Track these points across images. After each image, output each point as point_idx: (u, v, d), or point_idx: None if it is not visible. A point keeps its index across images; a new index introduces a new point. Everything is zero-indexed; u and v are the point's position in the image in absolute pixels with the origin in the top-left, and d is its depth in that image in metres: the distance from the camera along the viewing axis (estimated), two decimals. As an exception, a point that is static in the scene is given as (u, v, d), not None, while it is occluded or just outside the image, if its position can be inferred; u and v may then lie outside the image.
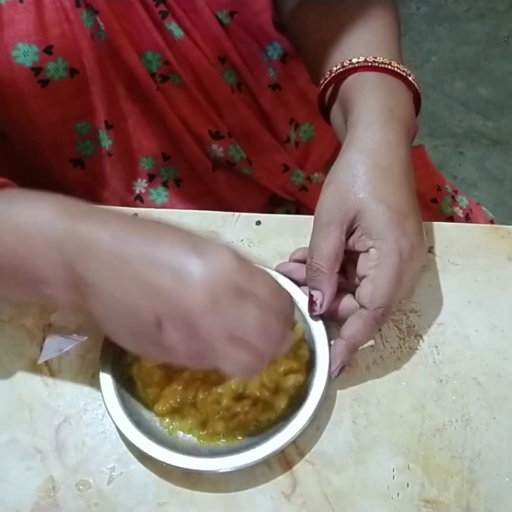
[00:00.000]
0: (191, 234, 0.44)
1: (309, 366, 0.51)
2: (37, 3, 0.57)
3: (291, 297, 0.46)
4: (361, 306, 0.49)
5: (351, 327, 0.50)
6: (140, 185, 0.73)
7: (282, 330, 0.44)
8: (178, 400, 0.50)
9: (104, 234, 0.43)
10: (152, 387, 0.50)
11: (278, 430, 0.48)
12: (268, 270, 0.45)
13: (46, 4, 0.57)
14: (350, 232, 0.51)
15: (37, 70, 0.59)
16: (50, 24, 0.58)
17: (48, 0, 0.57)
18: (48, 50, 0.58)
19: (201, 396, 0.49)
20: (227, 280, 0.42)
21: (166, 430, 0.50)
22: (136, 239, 0.43)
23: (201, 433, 0.49)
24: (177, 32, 0.62)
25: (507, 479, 0.48)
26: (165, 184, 0.74)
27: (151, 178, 0.73)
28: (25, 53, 0.58)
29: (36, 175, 0.71)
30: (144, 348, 0.45)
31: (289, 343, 0.46)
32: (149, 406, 0.50)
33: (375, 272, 0.49)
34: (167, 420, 0.50)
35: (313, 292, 0.51)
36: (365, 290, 0.49)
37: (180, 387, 0.50)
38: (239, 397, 0.49)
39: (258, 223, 0.61)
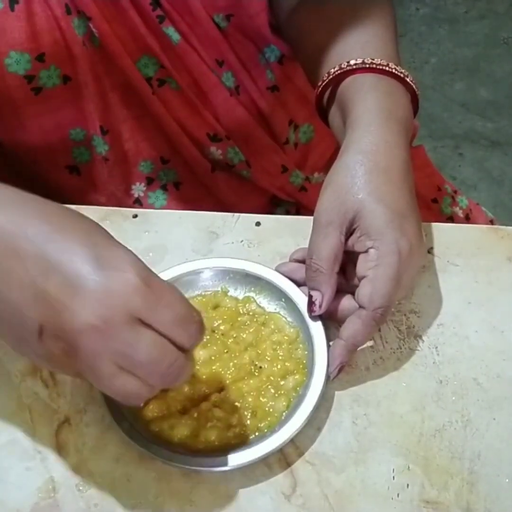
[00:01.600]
0: (98, 235, 0.40)
1: (310, 366, 0.51)
2: (28, 11, 0.57)
3: (201, 321, 0.41)
4: (360, 307, 0.50)
5: (350, 328, 0.50)
6: (139, 189, 0.73)
7: (179, 365, 0.40)
8: (167, 407, 0.49)
9: (4, 220, 0.39)
10: None
11: (276, 430, 0.48)
12: (178, 292, 0.41)
13: (37, 13, 0.57)
14: (349, 233, 0.51)
15: (29, 78, 0.59)
16: (41, 32, 0.58)
17: (39, 8, 0.57)
18: (40, 57, 0.58)
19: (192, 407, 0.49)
20: (124, 304, 0.37)
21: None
22: (34, 229, 0.39)
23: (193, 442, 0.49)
24: (175, 36, 0.62)
25: (507, 480, 0.48)
26: (164, 188, 0.74)
27: (149, 181, 0.73)
28: (17, 61, 0.58)
29: (31, 182, 0.71)
30: (27, 354, 0.42)
31: (187, 375, 0.42)
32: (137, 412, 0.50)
33: (374, 272, 0.49)
34: (158, 429, 0.49)
35: (313, 293, 0.51)
36: (364, 290, 0.49)
37: (170, 394, 0.49)
38: (234, 409, 0.49)
39: (258, 224, 0.61)
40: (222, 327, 0.53)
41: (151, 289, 0.38)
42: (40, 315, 0.38)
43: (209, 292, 0.56)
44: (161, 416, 0.49)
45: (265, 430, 0.49)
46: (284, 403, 0.50)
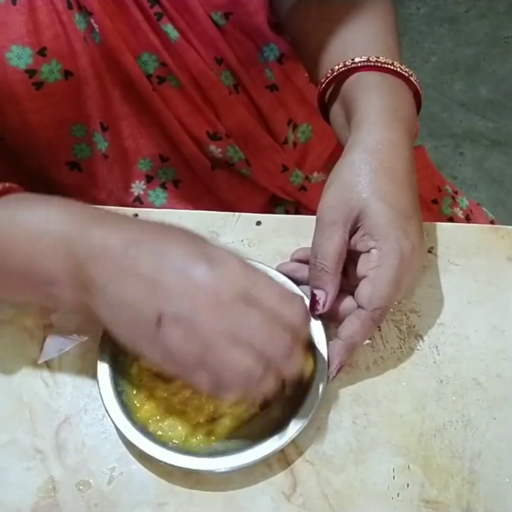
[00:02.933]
0: (200, 239, 0.45)
1: (313, 350, 0.51)
2: (30, 5, 0.57)
3: (306, 312, 0.45)
4: (359, 306, 0.49)
5: (349, 327, 0.50)
6: (138, 187, 0.73)
7: (289, 342, 0.43)
8: (164, 405, 0.49)
9: (114, 236, 0.44)
10: (141, 392, 0.50)
11: (277, 430, 0.48)
12: (282, 279, 0.46)
13: (39, 7, 0.57)
14: (352, 232, 0.51)
15: (31, 72, 0.59)
16: (43, 26, 0.57)
17: (40, 2, 0.57)
18: (42, 52, 0.58)
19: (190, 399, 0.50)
20: (234, 285, 0.42)
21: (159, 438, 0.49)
22: (145, 242, 0.44)
23: (195, 438, 0.49)
24: (173, 33, 0.62)
25: (507, 480, 0.48)
26: (163, 186, 0.74)
27: (149, 179, 0.73)
28: (19, 56, 0.58)
29: (33, 178, 0.71)
30: (144, 348, 0.44)
31: (299, 361, 0.45)
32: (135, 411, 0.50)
33: (375, 272, 0.49)
34: (155, 428, 0.49)
35: (316, 292, 0.51)
36: (364, 290, 0.49)
37: (165, 394, 0.50)
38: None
39: (258, 223, 0.61)
40: None
41: (255, 275, 0.43)
42: (159, 303, 0.42)
43: None
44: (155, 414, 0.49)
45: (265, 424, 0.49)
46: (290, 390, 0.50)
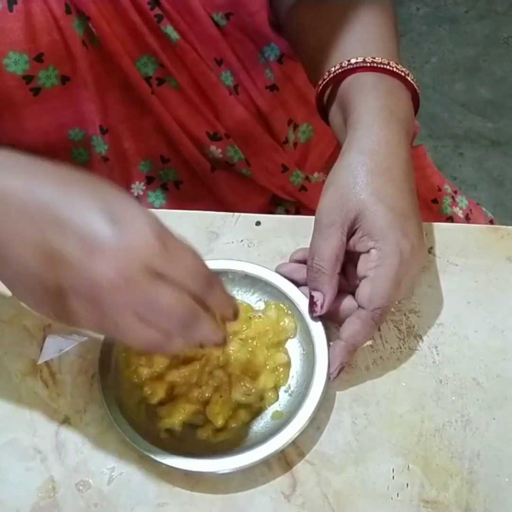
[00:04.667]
0: (111, 192, 0.40)
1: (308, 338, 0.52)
2: (26, 11, 0.57)
3: (217, 280, 0.43)
4: (360, 307, 0.50)
5: (350, 328, 0.50)
6: (138, 188, 0.73)
7: (195, 314, 0.41)
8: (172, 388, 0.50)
9: (12, 181, 0.40)
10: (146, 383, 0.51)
11: (277, 431, 0.48)
12: (192, 248, 0.42)
13: (36, 13, 0.57)
14: (351, 233, 0.51)
15: (28, 78, 0.59)
16: (40, 32, 0.58)
17: (37, 9, 0.57)
18: (38, 58, 0.58)
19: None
20: (141, 258, 0.38)
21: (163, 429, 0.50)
22: (46, 190, 0.39)
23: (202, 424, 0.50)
24: (173, 35, 0.62)
25: (506, 480, 0.48)
26: (164, 187, 0.74)
27: (149, 180, 0.73)
28: (16, 62, 0.58)
29: None
30: (49, 314, 0.42)
31: (208, 329, 0.42)
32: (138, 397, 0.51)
33: (375, 272, 0.49)
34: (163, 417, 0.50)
35: (314, 293, 0.51)
36: (364, 290, 0.49)
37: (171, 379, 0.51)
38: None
39: (258, 223, 0.61)
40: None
41: (165, 243, 0.39)
42: (58, 275, 0.39)
43: None
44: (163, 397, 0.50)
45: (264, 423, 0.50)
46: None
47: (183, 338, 0.42)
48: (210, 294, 0.42)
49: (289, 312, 0.54)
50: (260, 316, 0.54)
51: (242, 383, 0.50)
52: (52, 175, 0.40)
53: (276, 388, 0.51)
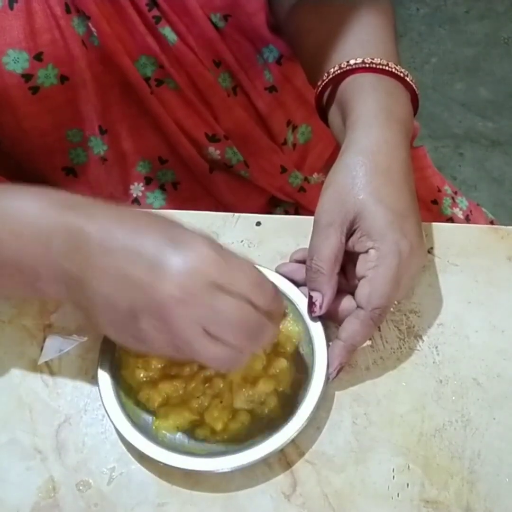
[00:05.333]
0: (171, 224, 0.44)
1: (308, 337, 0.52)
2: (27, 10, 0.57)
3: (275, 288, 0.45)
4: (358, 307, 0.50)
5: (349, 328, 0.50)
6: (137, 189, 0.73)
7: (261, 324, 0.43)
8: (172, 394, 0.50)
9: (89, 227, 0.43)
10: (144, 389, 0.51)
11: (276, 430, 0.48)
12: (250, 262, 0.45)
13: (36, 11, 0.57)
14: (350, 234, 0.51)
15: (27, 77, 0.59)
16: (40, 31, 0.58)
17: (38, 7, 0.57)
18: (38, 57, 0.58)
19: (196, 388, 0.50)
20: (203, 274, 0.41)
21: (163, 432, 0.50)
22: (118, 231, 0.43)
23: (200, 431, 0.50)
24: (171, 36, 0.62)
25: (507, 479, 0.48)
26: (162, 187, 0.74)
27: (148, 181, 0.73)
28: (15, 60, 0.58)
29: (30, 183, 0.70)
30: (126, 340, 0.45)
31: (272, 336, 0.45)
32: (143, 405, 0.50)
33: (374, 272, 0.49)
34: (161, 421, 0.50)
35: (313, 293, 0.51)
36: (363, 290, 0.49)
37: (171, 384, 0.50)
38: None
39: (258, 224, 0.61)
40: None
41: (224, 259, 0.42)
42: (130, 298, 0.42)
43: None
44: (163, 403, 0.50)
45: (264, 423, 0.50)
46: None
47: (251, 348, 0.45)
48: (270, 303, 0.44)
49: (293, 320, 0.54)
50: None
51: (243, 390, 0.50)
52: (122, 219, 0.45)
53: (275, 392, 0.51)
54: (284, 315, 0.50)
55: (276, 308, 0.45)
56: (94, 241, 0.43)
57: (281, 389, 0.51)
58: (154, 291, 0.41)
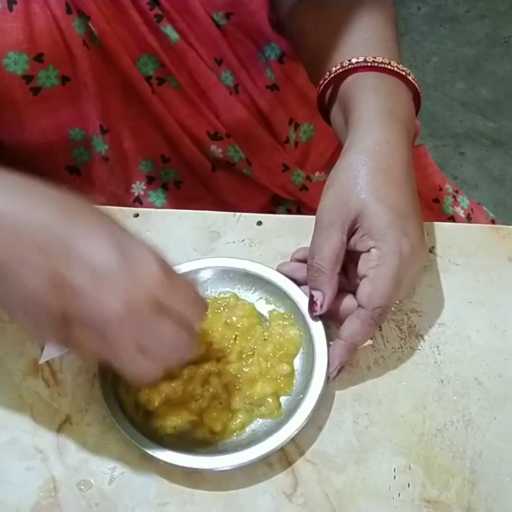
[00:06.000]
0: (118, 229, 0.42)
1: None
2: (27, 11, 0.57)
3: (204, 303, 0.46)
4: (360, 306, 0.50)
5: (349, 327, 0.50)
6: (139, 188, 0.73)
7: (190, 344, 0.44)
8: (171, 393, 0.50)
9: (28, 213, 0.40)
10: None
11: (277, 429, 0.48)
12: (187, 279, 0.46)
13: (36, 13, 0.57)
14: (351, 233, 0.51)
15: (28, 78, 0.59)
16: (40, 32, 0.58)
17: (38, 9, 0.57)
18: (38, 58, 0.58)
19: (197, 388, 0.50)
20: (148, 293, 0.40)
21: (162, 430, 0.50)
22: (59, 224, 0.40)
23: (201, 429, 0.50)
24: (173, 35, 0.62)
25: (508, 479, 0.48)
26: (164, 186, 0.74)
27: (150, 180, 0.73)
28: (15, 62, 0.58)
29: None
30: (46, 337, 0.44)
31: (194, 351, 0.46)
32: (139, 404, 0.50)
33: (375, 272, 0.49)
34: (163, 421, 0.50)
35: (314, 293, 0.51)
36: (364, 290, 0.49)
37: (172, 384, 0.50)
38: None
39: (259, 223, 0.61)
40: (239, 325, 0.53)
41: (169, 278, 0.41)
42: (63, 303, 0.39)
43: (221, 297, 0.56)
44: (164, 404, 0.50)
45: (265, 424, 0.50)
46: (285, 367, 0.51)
47: (171, 363, 0.44)
48: (201, 319, 0.45)
49: (293, 323, 0.54)
50: (265, 327, 0.54)
51: (242, 392, 0.50)
52: (56, 202, 0.41)
53: (276, 395, 0.51)
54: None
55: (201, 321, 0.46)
56: (27, 230, 0.39)
57: (283, 393, 0.51)
58: (97, 303, 0.39)
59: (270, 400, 0.50)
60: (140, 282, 0.40)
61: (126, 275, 0.39)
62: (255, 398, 0.50)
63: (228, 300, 0.55)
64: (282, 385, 0.51)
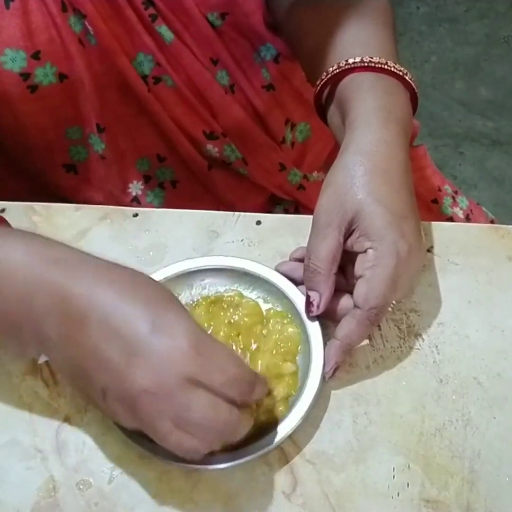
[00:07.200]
0: (157, 296, 0.43)
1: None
2: (23, 9, 0.57)
3: (256, 377, 0.44)
4: (356, 306, 0.50)
5: (345, 327, 0.50)
6: (136, 187, 0.73)
7: (233, 422, 0.42)
8: None
9: (71, 291, 0.42)
10: None
11: (272, 429, 0.48)
12: (230, 350, 0.44)
13: (32, 10, 0.57)
14: (348, 233, 0.51)
15: (25, 75, 0.59)
16: (37, 30, 0.58)
17: (34, 6, 0.57)
18: (35, 55, 0.58)
19: None
20: (178, 369, 0.40)
21: None
22: (100, 299, 0.42)
23: None
24: (168, 35, 0.62)
25: (507, 479, 0.48)
26: (161, 186, 0.74)
27: (147, 179, 0.73)
28: (13, 59, 0.58)
29: (30, 180, 0.71)
30: (93, 403, 0.46)
31: (244, 430, 0.44)
32: None
33: (371, 272, 0.49)
34: None
35: (310, 293, 0.51)
36: (359, 290, 0.49)
37: None
38: None
39: (258, 223, 0.61)
40: (242, 322, 0.54)
41: (201, 353, 0.41)
42: (103, 379, 0.41)
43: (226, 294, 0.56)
44: None
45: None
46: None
47: (219, 443, 0.44)
48: (247, 396, 0.43)
49: (292, 321, 0.54)
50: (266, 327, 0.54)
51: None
52: (111, 281, 0.43)
53: (286, 399, 0.50)
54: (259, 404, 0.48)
55: (255, 398, 0.44)
56: (75, 309, 0.42)
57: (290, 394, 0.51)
58: (127, 380, 0.40)
59: (281, 407, 0.50)
60: (168, 359, 0.40)
61: (154, 352, 0.40)
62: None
63: (232, 298, 0.55)
64: (290, 382, 0.51)
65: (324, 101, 0.60)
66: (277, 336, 0.53)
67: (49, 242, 0.45)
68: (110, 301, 0.42)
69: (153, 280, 0.45)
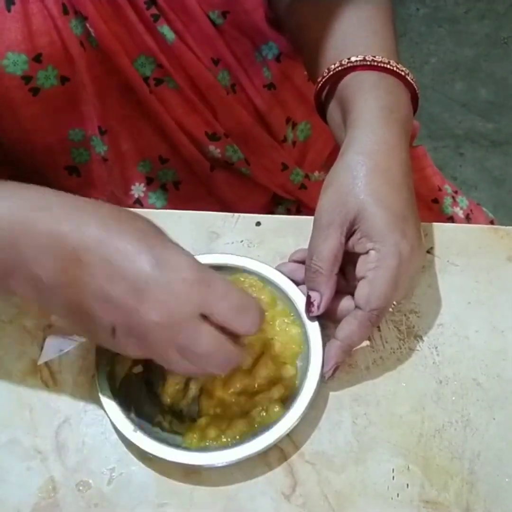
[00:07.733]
0: (154, 235, 0.44)
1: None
2: (24, 12, 0.57)
3: (256, 306, 0.45)
4: (357, 307, 0.50)
5: (346, 328, 0.50)
6: (139, 189, 0.73)
7: (233, 356, 0.44)
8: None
9: (63, 229, 0.43)
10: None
11: (269, 428, 0.48)
12: (233, 284, 0.45)
13: (34, 13, 0.57)
14: (350, 234, 0.51)
15: (27, 78, 0.59)
16: (38, 33, 0.58)
17: (35, 9, 0.57)
18: (37, 58, 0.58)
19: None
20: (184, 301, 0.42)
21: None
22: (95, 238, 0.43)
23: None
24: (169, 35, 0.62)
25: (507, 480, 0.48)
26: (163, 187, 0.74)
27: (149, 181, 0.73)
28: (14, 62, 0.58)
29: (32, 182, 0.70)
30: (99, 343, 0.49)
31: (239, 362, 0.46)
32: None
33: (373, 273, 0.49)
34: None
35: (311, 293, 0.51)
36: (361, 291, 0.49)
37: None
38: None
39: (258, 224, 0.61)
40: None
41: (207, 285, 0.43)
42: (111, 317, 0.43)
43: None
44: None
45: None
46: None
47: (218, 371, 0.46)
48: (251, 329, 0.45)
49: (294, 321, 0.53)
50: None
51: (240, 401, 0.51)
52: (101, 220, 0.44)
53: (281, 402, 0.50)
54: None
55: (255, 331, 0.46)
56: (70, 248, 0.42)
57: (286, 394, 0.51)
58: (137, 315, 0.42)
59: (276, 408, 0.50)
60: (176, 292, 0.42)
61: (162, 287, 0.42)
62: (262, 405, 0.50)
63: (254, 282, 0.55)
64: (288, 384, 0.51)
65: (324, 99, 0.60)
66: (282, 337, 0.53)
67: (32, 188, 0.46)
68: (104, 241, 0.43)
69: (136, 213, 0.46)
